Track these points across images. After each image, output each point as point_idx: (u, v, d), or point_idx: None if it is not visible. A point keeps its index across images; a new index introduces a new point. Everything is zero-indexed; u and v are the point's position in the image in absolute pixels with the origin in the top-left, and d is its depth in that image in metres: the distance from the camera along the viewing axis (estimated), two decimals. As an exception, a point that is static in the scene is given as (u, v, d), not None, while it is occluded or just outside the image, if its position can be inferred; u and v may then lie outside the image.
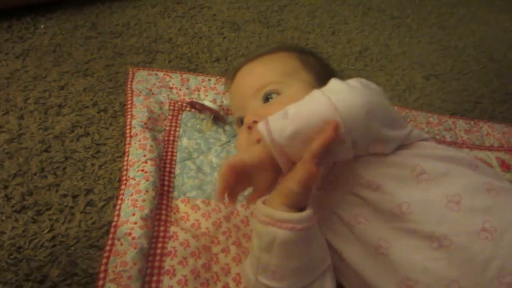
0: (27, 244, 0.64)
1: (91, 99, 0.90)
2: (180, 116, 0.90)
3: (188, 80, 0.99)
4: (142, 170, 0.74)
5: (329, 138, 0.54)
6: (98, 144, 0.81)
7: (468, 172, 0.60)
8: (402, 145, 0.63)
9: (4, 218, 0.67)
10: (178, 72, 1.01)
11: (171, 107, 0.91)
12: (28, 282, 0.60)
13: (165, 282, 0.63)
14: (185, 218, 0.72)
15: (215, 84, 0.99)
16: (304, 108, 0.58)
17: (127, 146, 0.80)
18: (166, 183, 0.76)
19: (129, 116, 0.85)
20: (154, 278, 0.63)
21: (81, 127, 0.84)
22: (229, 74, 0.88)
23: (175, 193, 0.76)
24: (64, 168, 0.76)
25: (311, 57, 0.82)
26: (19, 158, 0.76)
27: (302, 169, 0.56)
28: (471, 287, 0.50)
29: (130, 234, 0.65)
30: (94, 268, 0.63)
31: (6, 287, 0.59)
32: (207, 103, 0.88)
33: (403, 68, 1.26)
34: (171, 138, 0.85)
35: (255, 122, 0.68)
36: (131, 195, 0.71)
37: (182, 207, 0.74)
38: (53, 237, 0.66)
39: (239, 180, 0.60)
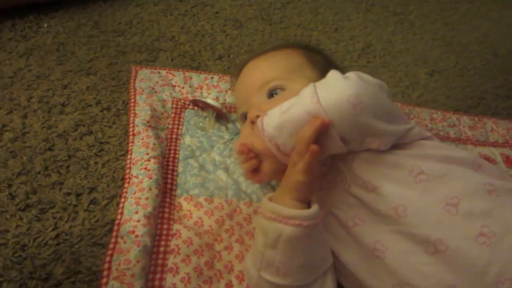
0: (31, 242, 0.65)
1: (94, 98, 0.90)
2: (183, 114, 0.90)
3: (190, 78, 0.99)
4: (145, 168, 0.74)
5: (317, 126, 0.54)
6: (101, 143, 0.81)
7: (469, 173, 0.59)
8: (401, 144, 0.63)
9: (8, 216, 0.67)
10: (180, 70, 1.01)
11: (174, 105, 0.91)
12: (32, 280, 0.60)
13: (168, 279, 0.63)
14: (188, 216, 0.72)
15: (217, 82, 0.99)
16: (295, 102, 0.59)
17: (130, 144, 0.80)
18: (169, 181, 0.77)
19: (132, 115, 0.85)
20: (157, 276, 0.63)
21: (84, 125, 0.84)
22: (234, 70, 0.88)
23: (178, 191, 0.76)
24: (68, 167, 0.76)
25: (316, 54, 0.82)
26: (23, 156, 0.76)
27: (300, 158, 0.56)
28: None
29: (133, 232, 0.65)
30: (97, 266, 0.63)
31: (11, 285, 0.59)
32: (210, 101, 0.88)
33: (406, 65, 1.26)
34: (174, 136, 0.85)
35: (259, 117, 0.68)
36: (134, 193, 0.71)
37: (185, 205, 0.74)
38: (57, 235, 0.66)
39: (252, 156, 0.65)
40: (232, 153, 0.84)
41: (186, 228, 0.70)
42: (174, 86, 0.96)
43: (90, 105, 0.89)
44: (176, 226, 0.70)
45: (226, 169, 0.81)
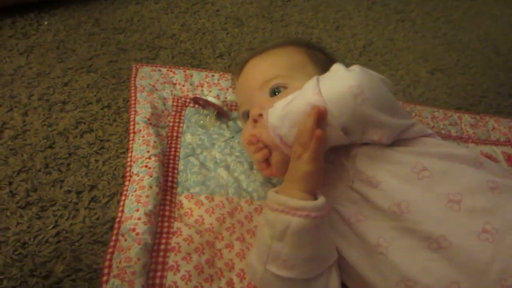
0: (32, 240, 0.65)
1: (95, 96, 0.90)
2: (183, 112, 0.90)
3: (191, 76, 0.98)
4: (146, 166, 0.74)
5: (315, 115, 0.56)
6: (102, 140, 0.81)
7: (471, 171, 0.59)
8: (404, 141, 0.63)
9: (8, 214, 0.67)
10: (181, 68, 1.00)
11: (175, 103, 0.91)
12: (33, 278, 0.60)
13: (169, 277, 0.63)
14: (189, 213, 0.72)
15: (218, 79, 0.99)
16: (298, 94, 0.61)
17: (131, 142, 0.80)
18: (169, 179, 0.76)
19: (132, 112, 0.85)
20: (158, 273, 0.63)
21: (85, 123, 0.84)
22: (235, 69, 0.88)
23: (179, 189, 0.76)
24: (68, 164, 0.76)
25: (318, 52, 0.82)
26: (23, 154, 0.76)
27: (304, 149, 0.57)
28: None
29: (134, 229, 0.65)
30: (98, 264, 0.63)
31: (11, 283, 0.59)
32: (210, 98, 0.88)
33: (407, 63, 1.25)
34: (175, 134, 0.85)
35: (261, 115, 0.68)
36: (135, 191, 0.71)
37: (186, 202, 0.74)
38: (58, 233, 0.66)
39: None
40: (233, 151, 0.84)
41: (186, 226, 0.70)
42: (174, 84, 0.96)
43: (90, 103, 0.88)
44: (176, 224, 0.70)
45: (227, 167, 0.81)
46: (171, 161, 0.80)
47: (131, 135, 0.81)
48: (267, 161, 0.67)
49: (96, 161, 0.78)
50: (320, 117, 0.56)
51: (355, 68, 0.60)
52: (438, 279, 0.52)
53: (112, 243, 0.64)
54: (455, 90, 1.19)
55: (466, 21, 1.54)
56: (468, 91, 1.20)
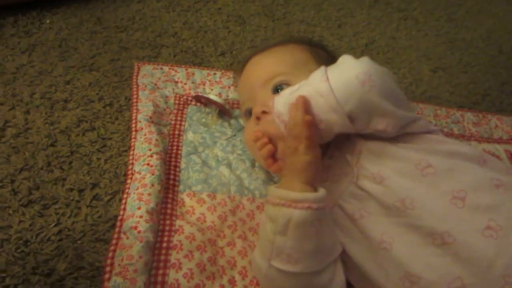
0: (34, 238, 0.65)
1: (97, 94, 0.90)
2: (185, 110, 0.90)
3: (193, 74, 0.98)
4: (148, 164, 0.74)
5: (300, 104, 0.58)
6: (103, 139, 0.81)
7: (475, 168, 0.59)
8: (408, 138, 0.63)
9: (11, 212, 0.67)
10: (183, 66, 1.00)
11: (177, 101, 0.91)
12: (35, 276, 0.61)
13: (171, 275, 0.63)
14: (191, 212, 0.72)
15: (220, 78, 0.99)
16: (304, 82, 0.62)
17: (133, 140, 0.80)
18: (171, 177, 0.76)
19: (134, 111, 0.85)
20: (160, 271, 0.63)
21: (87, 121, 0.84)
22: (238, 66, 0.88)
23: (181, 187, 0.76)
24: (70, 163, 0.76)
25: (321, 50, 0.82)
26: (25, 152, 0.76)
27: (299, 141, 0.58)
28: (475, 284, 0.50)
29: (136, 227, 0.65)
30: (100, 262, 0.63)
31: (14, 280, 0.60)
32: (212, 97, 0.88)
33: (410, 61, 1.25)
34: (177, 132, 0.85)
35: (264, 112, 0.68)
36: (137, 189, 0.71)
37: (188, 201, 0.74)
38: (60, 231, 0.66)
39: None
40: (235, 149, 0.84)
41: (188, 224, 0.70)
42: (176, 82, 0.96)
43: (92, 101, 0.88)
44: (178, 222, 0.70)
45: (229, 165, 0.81)
46: (173, 159, 0.80)
47: (133, 133, 0.81)
48: (273, 156, 0.67)
49: (98, 159, 0.78)
50: (307, 106, 0.58)
51: (363, 58, 0.61)
52: (441, 274, 0.52)
53: (114, 241, 0.65)
54: (458, 89, 1.19)
55: (469, 20, 1.53)
56: (471, 90, 1.20)
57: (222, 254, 0.68)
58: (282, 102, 0.62)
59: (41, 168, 0.74)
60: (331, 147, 0.68)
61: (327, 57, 0.81)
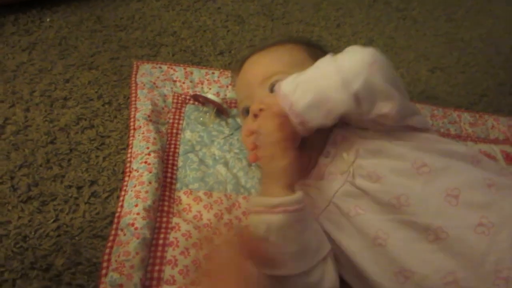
0: (33, 233, 0.66)
1: (96, 92, 0.91)
2: (183, 109, 0.91)
3: (191, 73, 0.99)
4: (145, 162, 0.75)
5: (276, 114, 0.59)
6: (102, 136, 0.82)
7: (469, 168, 0.61)
8: (405, 134, 0.64)
9: (10, 208, 0.68)
10: (182, 65, 1.01)
11: (175, 100, 0.92)
12: (33, 271, 0.62)
13: (167, 272, 0.64)
14: (187, 209, 0.73)
15: (218, 77, 1.00)
16: (312, 66, 0.63)
17: (131, 138, 0.81)
18: (169, 175, 0.77)
19: (133, 109, 0.86)
20: (156, 268, 0.64)
21: (86, 119, 0.85)
22: (236, 65, 0.89)
23: (178, 185, 0.77)
24: (69, 160, 0.77)
25: (319, 50, 0.83)
26: (25, 149, 0.77)
27: (273, 149, 0.58)
28: (468, 279, 0.51)
29: (133, 224, 0.66)
30: (97, 258, 0.64)
31: (12, 275, 0.61)
32: (210, 96, 0.88)
33: (408, 61, 1.26)
34: (174, 130, 0.86)
35: (262, 110, 0.69)
36: (134, 186, 0.72)
37: (185, 198, 0.74)
38: (58, 227, 0.67)
39: None
40: (232, 148, 0.85)
41: (185, 221, 0.71)
42: (175, 81, 0.96)
43: (91, 99, 0.89)
44: (175, 220, 0.71)
45: (226, 164, 0.82)
46: (171, 158, 0.80)
47: (131, 131, 0.82)
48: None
49: (97, 156, 0.79)
50: (277, 109, 0.59)
51: (370, 47, 0.62)
52: (435, 269, 0.53)
53: (111, 238, 0.66)
54: (455, 89, 1.20)
55: (467, 20, 1.54)
56: (468, 90, 1.20)
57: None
58: (289, 84, 0.62)
59: (40, 165, 0.75)
60: (326, 146, 0.69)
61: None
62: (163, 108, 0.89)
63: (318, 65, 0.63)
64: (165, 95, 0.92)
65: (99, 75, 0.95)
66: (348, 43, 1.26)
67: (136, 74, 0.95)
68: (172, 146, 0.83)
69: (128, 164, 0.77)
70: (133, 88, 0.91)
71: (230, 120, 0.91)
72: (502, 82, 1.26)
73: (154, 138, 0.80)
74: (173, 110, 0.90)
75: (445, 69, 1.26)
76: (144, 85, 0.91)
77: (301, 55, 0.79)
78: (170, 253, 0.66)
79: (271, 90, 0.73)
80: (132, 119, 0.84)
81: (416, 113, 0.66)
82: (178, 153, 0.82)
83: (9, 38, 1.00)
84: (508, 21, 1.59)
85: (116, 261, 0.62)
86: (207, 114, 0.90)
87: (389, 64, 0.62)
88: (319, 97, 0.59)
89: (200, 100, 0.92)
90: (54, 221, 0.68)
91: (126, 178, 0.74)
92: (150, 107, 0.86)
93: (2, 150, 0.76)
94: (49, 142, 0.79)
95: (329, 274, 0.61)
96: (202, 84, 0.98)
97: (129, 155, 0.78)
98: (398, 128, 0.65)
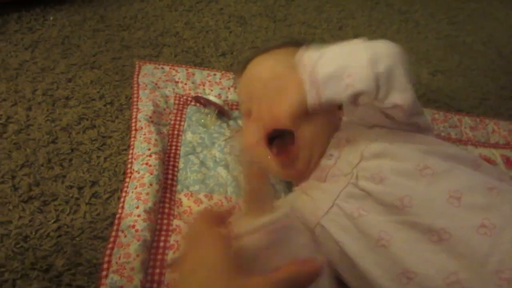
0: (33, 233, 0.66)
1: (98, 92, 0.91)
2: (185, 110, 0.91)
3: (193, 74, 0.99)
4: (147, 164, 0.75)
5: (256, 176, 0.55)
6: (104, 137, 0.82)
7: (469, 171, 0.61)
8: (408, 136, 0.66)
9: (11, 207, 0.69)
10: (184, 66, 1.01)
11: (176, 101, 0.92)
12: (33, 271, 0.62)
13: (168, 275, 0.64)
14: (188, 212, 0.73)
15: (220, 78, 1.00)
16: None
17: (132, 139, 0.81)
18: (169, 176, 0.77)
19: (134, 110, 0.86)
20: (157, 270, 0.64)
21: (87, 119, 0.85)
22: (239, 66, 0.89)
23: (179, 187, 0.77)
24: (70, 160, 0.78)
25: None
26: (26, 149, 0.77)
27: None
28: (470, 279, 0.51)
29: (133, 226, 0.66)
30: (98, 259, 0.64)
31: (12, 275, 0.61)
32: (212, 97, 0.89)
33: (409, 64, 1.25)
34: (176, 132, 0.86)
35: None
36: (135, 188, 0.72)
37: (185, 201, 0.75)
38: (59, 228, 0.68)
39: None
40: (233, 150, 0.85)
41: (186, 224, 0.71)
42: (177, 82, 0.97)
43: (93, 99, 0.89)
44: (176, 222, 0.71)
45: (227, 166, 0.82)
46: (172, 159, 0.81)
47: (133, 132, 0.82)
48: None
49: (98, 157, 0.79)
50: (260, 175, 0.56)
51: None
52: (437, 270, 0.53)
53: (112, 239, 0.66)
54: (456, 92, 1.20)
55: (470, 23, 1.54)
56: (469, 93, 1.21)
57: (217, 254, 0.69)
58: (315, 50, 0.63)
59: (42, 165, 0.75)
60: (329, 149, 0.70)
61: None
62: (164, 109, 0.89)
63: (347, 42, 0.64)
64: (166, 96, 0.92)
65: (101, 75, 0.96)
66: (350, 45, 1.26)
67: (138, 75, 0.95)
68: (173, 147, 0.83)
69: (129, 165, 0.77)
70: (135, 88, 0.91)
71: (231, 122, 0.91)
72: (503, 86, 1.26)
73: (156, 140, 0.80)
74: (175, 111, 0.90)
75: (446, 72, 1.26)
76: (146, 85, 0.92)
77: None
78: (171, 256, 0.66)
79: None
80: (133, 120, 0.84)
81: (422, 113, 0.68)
82: (179, 154, 0.82)
83: (12, 36, 1.00)
84: (509, 25, 1.59)
85: (116, 263, 0.62)
86: (208, 116, 0.90)
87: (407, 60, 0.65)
88: (342, 70, 0.60)
89: (202, 101, 0.92)
90: (54, 222, 0.68)
91: (127, 179, 0.75)
92: (151, 108, 0.86)
93: (3, 149, 0.76)
94: (50, 142, 0.79)
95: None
96: (204, 85, 0.98)
97: (130, 156, 0.79)
98: (404, 127, 0.66)
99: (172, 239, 0.68)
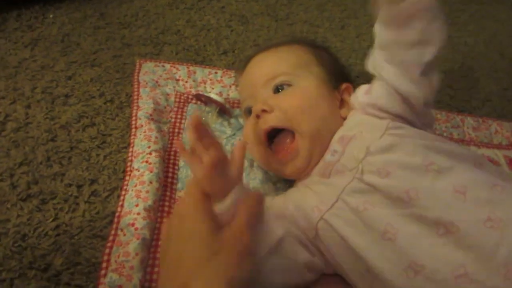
0: (32, 232, 0.65)
1: (98, 90, 0.90)
2: (185, 108, 0.90)
3: (194, 72, 0.99)
4: (146, 162, 0.74)
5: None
6: (103, 135, 0.82)
7: (472, 169, 0.61)
8: (415, 132, 0.67)
9: (9, 206, 0.68)
10: (185, 64, 1.01)
11: (177, 99, 0.91)
12: (31, 270, 0.61)
13: (167, 273, 0.63)
14: (188, 210, 0.72)
15: (221, 77, 0.99)
16: None
17: (132, 137, 0.80)
18: (170, 174, 0.77)
19: (135, 108, 0.85)
20: (156, 269, 0.63)
21: (87, 117, 0.84)
22: (240, 64, 0.89)
23: (179, 185, 0.76)
24: (70, 158, 0.77)
25: (324, 52, 0.83)
26: (25, 147, 0.76)
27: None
28: (479, 272, 0.51)
29: (133, 224, 0.65)
30: (97, 258, 0.64)
31: (10, 274, 0.60)
32: (213, 95, 0.88)
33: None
34: (176, 130, 0.85)
35: (264, 111, 0.69)
36: (135, 186, 0.71)
37: (186, 199, 0.74)
38: (57, 226, 0.67)
39: None
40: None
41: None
42: (177, 80, 0.96)
43: (93, 97, 0.89)
44: (176, 220, 0.70)
45: (228, 165, 0.81)
46: (172, 157, 0.80)
47: (133, 130, 0.81)
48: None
49: (97, 155, 0.78)
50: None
51: None
52: (445, 262, 0.52)
53: (111, 238, 0.65)
54: (459, 93, 1.19)
55: (472, 24, 1.53)
56: (472, 94, 1.20)
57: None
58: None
59: (40, 163, 0.75)
60: (332, 144, 0.69)
61: (329, 59, 0.81)
62: (165, 107, 0.88)
63: None
64: (167, 94, 0.91)
65: (101, 73, 0.95)
66: (352, 45, 1.26)
67: (138, 72, 0.94)
68: (174, 145, 0.82)
69: (129, 163, 0.76)
70: (135, 86, 0.90)
71: (232, 120, 0.90)
72: (506, 87, 1.26)
73: (156, 137, 0.79)
74: (175, 109, 0.89)
75: (448, 73, 1.25)
76: (146, 83, 0.91)
77: (306, 56, 0.78)
78: (170, 254, 0.65)
79: (275, 91, 0.73)
80: (133, 118, 0.83)
81: (433, 107, 0.72)
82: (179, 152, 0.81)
83: (12, 33, 1.00)
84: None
85: (115, 261, 0.61)
86: (209, 114, 0.89)
87: None
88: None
89: (203, 99, 0.91)
90: (53, 220, 0.67)
91: (127, 178, 0.74)
92: (152, 105, 0.85)
93: (2, 147, 0.76)
94: (49, 140, 0.78)
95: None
96: (205, 83, 0.97)
97: (130, 154, 0.78)
98: (415, 118, 0.69)
99: (172, 238, 0.67)
